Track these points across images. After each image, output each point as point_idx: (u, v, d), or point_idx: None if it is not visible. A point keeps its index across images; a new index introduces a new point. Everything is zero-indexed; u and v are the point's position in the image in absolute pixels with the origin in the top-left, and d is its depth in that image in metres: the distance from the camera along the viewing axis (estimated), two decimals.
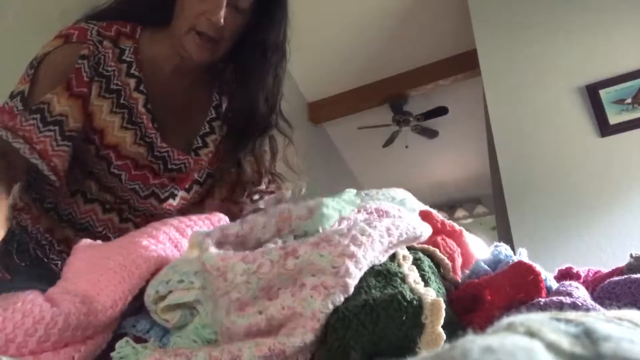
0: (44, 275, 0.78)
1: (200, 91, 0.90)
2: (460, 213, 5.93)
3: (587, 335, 0.11)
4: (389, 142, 4.26)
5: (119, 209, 0.86)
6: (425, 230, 0.48)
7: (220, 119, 0.90)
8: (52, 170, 0.70)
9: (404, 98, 3.71)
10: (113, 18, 0.81)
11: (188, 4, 0.76)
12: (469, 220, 5.89)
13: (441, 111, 3.85)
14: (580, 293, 0.40)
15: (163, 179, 0.85)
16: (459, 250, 0.52)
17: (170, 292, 0.46)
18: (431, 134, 4.18)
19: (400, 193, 0.64)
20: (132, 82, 0.79)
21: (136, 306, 0.49)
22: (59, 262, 0.83)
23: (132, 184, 0.83)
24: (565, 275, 0.58)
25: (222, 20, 0.75)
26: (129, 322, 0.47)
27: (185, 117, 0.87)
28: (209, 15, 0.74)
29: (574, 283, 0.42)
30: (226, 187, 0.95)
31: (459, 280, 0.49)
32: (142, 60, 0.80)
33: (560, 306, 0.36)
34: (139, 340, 0.45)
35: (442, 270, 0.47)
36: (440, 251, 0.49)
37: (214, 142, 0.89)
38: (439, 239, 0.52)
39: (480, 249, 0.61)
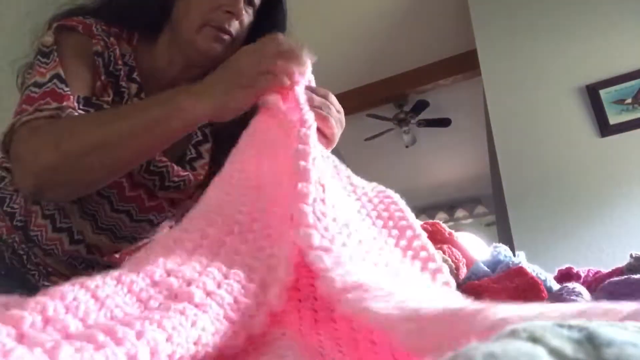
0: (20, 286, 0.73)
1: None
2: (460, 213, 5.93)
3: (590, 341, 0.11)
4: (410, 143, 4.26)
5: (88, 244, 0.76)
6: None
7: (210, 124, 0.80)
8: None
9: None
10: (104, 19, 0.72)
11: (196, 1, 0.69)
12: (469, 221, 5.89)
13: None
14: (584, 300, 0.40)
15: (160, 201, 0.77)
16: (464, 260, 0.52)
17: None
18: (445, 122, 3.98)
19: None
20: (133, 87, 0.72)
21: None
22: (36, 273, 0.75)
23: (126, 206, 0.74)
24: (565, 275, 0.58)
25: (242, 11, 0.69)
26: None
27: None
28: (227, 7, 0.68)
29: (577, 287, 0.42)
30: None
31: (460, 282, 0.49)
32: (140, 69, 0.73)
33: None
34: None
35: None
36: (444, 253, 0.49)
37: (208, 151, 0.81)
38: (445, 247, 0.52)
39: (480, 249, 0.61)
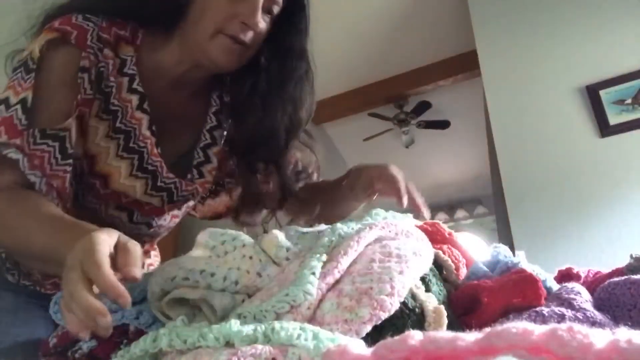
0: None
1: (197, 100, 0.80)
2: (460, 213, 5.92)
3: None
4: (408, 143, 4.29)
5: None
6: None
7: (222, 128, 0.80)
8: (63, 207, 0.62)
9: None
10: (109, 12, 0.69)
11: (214, 4, 0.66)
12: (470, 221, 5.89)
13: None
14: (583, 298, 0.40)
15: (163, 208, 0.78)
16: (464, 261, 0.52)
17: (175, 288, 0.46)
18: (442, 125, 4.06)
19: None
20: (134, 99, 0.69)
21: (138, 298, 0.48)
22: (15, 273, 0.75)
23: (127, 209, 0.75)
24: (565, 275, 0.58)
25: (260, 25, 0.67)
26: (131, 314, 0.46)
27: (178, 129, 0.77)
28: (245, 18, 0.66)
29: (577, 287, 0.42)
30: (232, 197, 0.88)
31: (460, 282, 0.49)
32: (142, 72, 0.70)
33: (562, 318, 0.35)
34: (141, 333, 0.45)
35: (444, 272, 0.48)
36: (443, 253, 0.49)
37: (217, 154, 0.79)
38: (445, 247, 0.52)
39: (480, 249, 0.61)
